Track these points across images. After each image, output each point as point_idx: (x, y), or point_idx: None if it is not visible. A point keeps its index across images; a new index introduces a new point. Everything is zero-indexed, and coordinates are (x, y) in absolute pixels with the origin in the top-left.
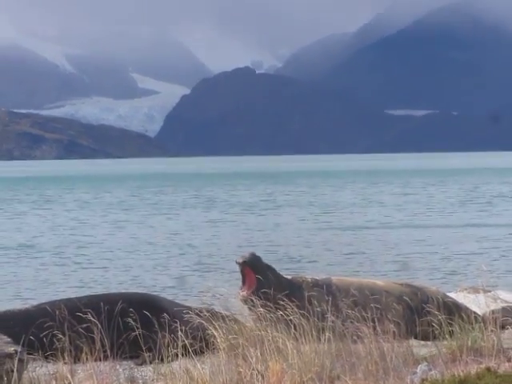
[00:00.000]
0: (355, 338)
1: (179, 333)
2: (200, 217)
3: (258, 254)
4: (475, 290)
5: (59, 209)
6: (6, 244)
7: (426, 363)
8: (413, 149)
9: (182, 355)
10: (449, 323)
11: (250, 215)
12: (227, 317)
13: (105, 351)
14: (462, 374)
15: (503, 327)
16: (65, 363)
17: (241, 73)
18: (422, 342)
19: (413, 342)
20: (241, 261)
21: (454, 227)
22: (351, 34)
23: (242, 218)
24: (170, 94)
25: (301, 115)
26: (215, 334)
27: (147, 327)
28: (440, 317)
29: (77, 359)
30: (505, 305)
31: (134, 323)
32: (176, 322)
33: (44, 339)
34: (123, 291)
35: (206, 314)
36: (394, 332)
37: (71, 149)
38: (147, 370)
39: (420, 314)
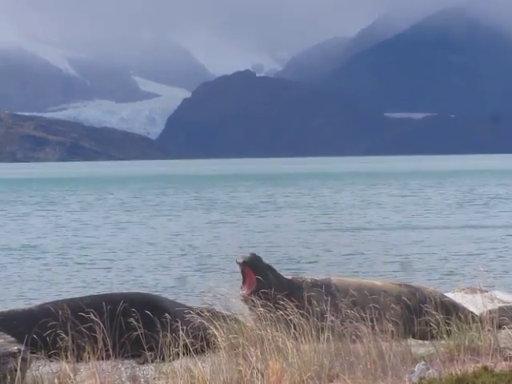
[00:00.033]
0: (354, 337)
1: (180, 332)
2: (201, 218)
3: (258, 254)
4: (472, 290)
5: (62, 210)
6: (9, 245)
7: (423, 362)
8: (411, 151)
9: (184, 354)
10: (446, 323)
11: (250, 216)
12: (228, 316)
13: (107, 350)
14: (459, 372)
15: (500, 327)
16: (67, 362)
17: (241, 76)
18: (420, 342)
19: (411, 341)
20: (241, 261)
21: (452, 228)
22: (350, 38)
23: (243, 219)
24: (171, 96)
25: (300, 118)
26: (216, 333)
27: (149, 327)
28: (438, 316)
29: (79, 358)
30: (502, 305)
31: (135, 323)
32: (177, 322)
33: (47, 338)
34: (125, 291)
35: (206, 313)
36: (392, 331)
37: (74, 151)
38: (149, 369)
39: (418, 313)
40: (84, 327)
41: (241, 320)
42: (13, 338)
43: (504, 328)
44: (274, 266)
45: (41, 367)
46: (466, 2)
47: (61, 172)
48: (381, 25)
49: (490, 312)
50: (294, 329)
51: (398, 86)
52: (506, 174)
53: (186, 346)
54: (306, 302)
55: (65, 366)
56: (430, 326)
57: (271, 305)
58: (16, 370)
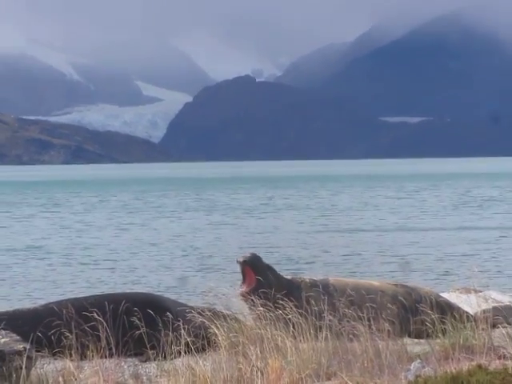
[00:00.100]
0: (351, 336)
1: (182, 331)
2: (202, 219)
3: (258, 254)
4: (467, 290)
5: (66, 212)
6: (15, 246)
7: (419, 360)
8: (407, 154)
9: (185, 353)
10: (441, 322)
11: (250, 218)
12: (228, 316)
13: (110, 349)
14: (454, 370)
15: (494, 326)
16: (72, 360)
17: (241, 81)
18: (416, 340)
19: (407, 340)
20: (241, 260)
21: (447, 230)
22: (349, 44)
23: (243, 220)
24: (173, 101)
25: (300, 122)
26: (217, 332)
27: (151, 326)
28: (433, 316)
29: (83, 356)
30: (495, 304)
31: (138, 322)
32: (179, 321)
33: (52, 337)
34: (128, 291)
35: (207, 313)
36: (388, 330)
37: (78, 154)
38: (151, 367)
39: (414, 313)
40: (88, 326)
41: (241, 319)
42: (18, 337)
43: (498, 327)
44: (274, 267)
45: (45, 365)
46: (461, 9)
47: (65, 174)
48: (378, 31)
49: (484, 311)
50: (293, 328)
51: (394, 91)
52: (499, 177)
53: (187, 344)
54: (304, 302)
55: (69, 364)
56: (426, 325)
57: (271, 304)
58: (21, 368)
